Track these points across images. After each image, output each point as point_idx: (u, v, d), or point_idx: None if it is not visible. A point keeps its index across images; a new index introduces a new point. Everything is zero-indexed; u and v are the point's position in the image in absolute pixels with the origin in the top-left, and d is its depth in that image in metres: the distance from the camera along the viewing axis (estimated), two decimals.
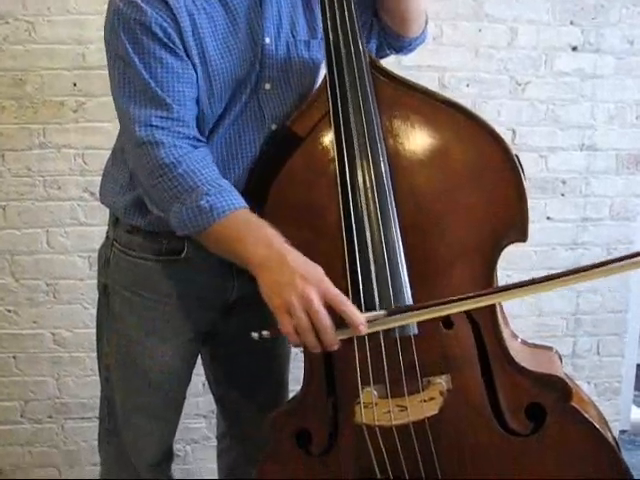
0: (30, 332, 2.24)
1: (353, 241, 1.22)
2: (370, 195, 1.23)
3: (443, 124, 1.27)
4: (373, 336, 1.21)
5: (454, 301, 1.15)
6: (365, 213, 1.23)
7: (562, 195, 2.37)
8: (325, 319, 1.11)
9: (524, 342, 1.40)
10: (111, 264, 1.43)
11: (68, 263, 2.20)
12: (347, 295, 1.18)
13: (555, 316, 2.45)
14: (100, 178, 1.47)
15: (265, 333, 1.15)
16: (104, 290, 1.46)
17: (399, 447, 1.25)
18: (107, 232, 1.47)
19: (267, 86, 1.32)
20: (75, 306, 2.23)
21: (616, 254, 2.42)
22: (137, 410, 1.46)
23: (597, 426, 1.26)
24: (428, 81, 2.09)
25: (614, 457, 1.26)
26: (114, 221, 1.43)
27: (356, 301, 1.19)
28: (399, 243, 1.23)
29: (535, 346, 1.43)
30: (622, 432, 2.70)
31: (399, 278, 1.23)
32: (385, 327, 1.18)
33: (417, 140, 1.27)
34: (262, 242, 1.15)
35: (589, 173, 2.36)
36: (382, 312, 1.17)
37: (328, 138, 1.28)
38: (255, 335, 1.15)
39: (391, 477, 1.26)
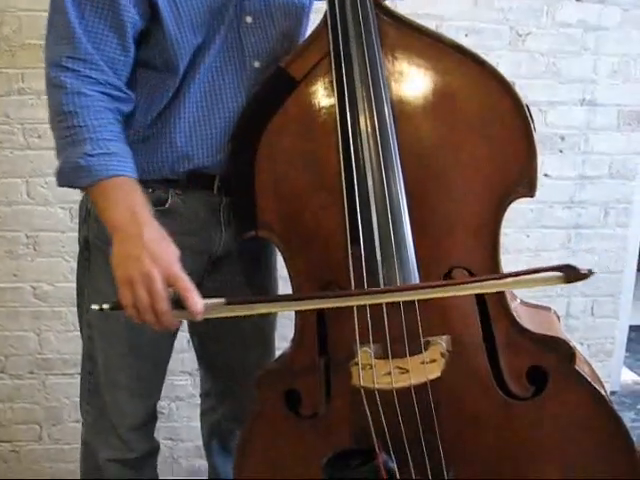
0: (10, 286, 2.18)
1: (354, 192, 1.18)
2: (372, 143, 1.18)
3: (450, 69, 1.20)
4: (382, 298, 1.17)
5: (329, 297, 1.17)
6: (367, 162, 1.18)
7: (560, 152, 2.32)
8: (163, 303, 1.10)
9: (523, 302, 1.37)
10: (92, 216, 1.37)
11: (49, 214, 2.13)
12: (347, 243, 1.17)
13: None
14: None
15: (105, 306, 1.13)
16: (85, 244, 1.40)
17: (399, 411, 1.20)
18: None
19: (248, 19, 1.26)
20: (56, 259, 2.16)
21: (613, 213, 2.38)
22: (120, 370, 1.41)
23: (598, 389, 1.23)
24: None
25: (615, 419, 1.23)
26: None
27: (356, 252, 1.17)
28: (402, 195, 1.18)
29: (534, 306, 1.39)
30: (612, 393, 2.70)
31: (402, 230, 1.18)
32: (224, 315, 1.16)
33: (422, 86, 1.21)
34: (126, 207, 1.14)
35: (589, 129, 2.31)
36: (221, 300, 1.14)
37: (327, 82, 1.21)
38: (95, 307, 1.13)
39: (388, 442, 1.22)
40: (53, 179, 2.07)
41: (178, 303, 1.11)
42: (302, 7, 1.34)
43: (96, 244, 1.37)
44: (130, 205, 1.15)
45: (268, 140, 1.23)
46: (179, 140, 1.28)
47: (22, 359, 2.23)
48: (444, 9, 2.16)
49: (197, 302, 1.10)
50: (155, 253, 1.11)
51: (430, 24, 2.11)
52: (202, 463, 2.34)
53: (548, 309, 1.42)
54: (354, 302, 1.17)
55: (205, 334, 1.57)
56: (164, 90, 1.26)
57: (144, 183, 1.29)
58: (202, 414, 1.75)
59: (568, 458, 1.24)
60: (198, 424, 2.33)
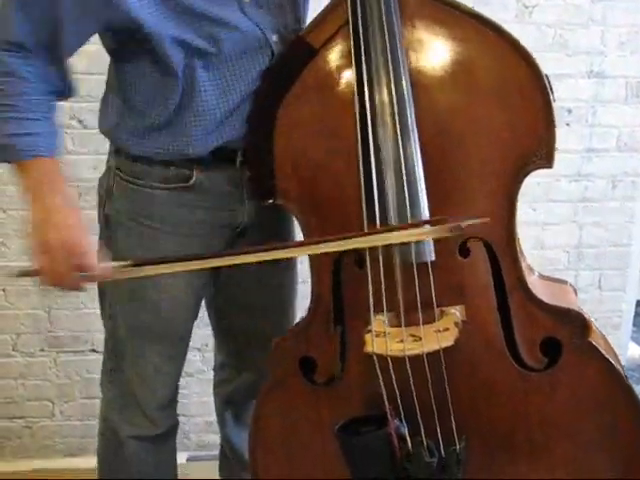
0: (20, 264, 2.17)
1: (370, 158, 1.18)
2: (390, 111, 1.18)
3: (469, 38, 1.20)
4: (388, 261, 1.19)
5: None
6: (384, 132, 1.19)
7: (567, 125, 2.30)
8: (63, 265, 1.17)
9: (540, 275, 1.37)
10: (114, 194, 1.38)
11: None
12: (362, 213, 1.19)
13: (557, 249, 2.41)
14: (87, 105, 1.41)
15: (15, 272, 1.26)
16: (106, 222, 1.41)
17: (411, 379, 1.21)
18: (107, 161, 1.42)
19: None
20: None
21: (621, 186, 2.37)
22: (149, 347, 1.43)
23: (613, 362, 1.23)
24: None
25: (629, 393, 1.23)
26: (115, 150, 1.38)
27: (371, 218, 1.18)
28: (419, 164, 1.19)
29: (551, 279, 1.40)
30: None
31: (417, 195, 1.19)
32: (133, 275, 1.24)
33: (440, 54, 1.21)
34: (46, 178, 1.18)
35: (596, 102, 2.29)
36: (126, 262, 1.21)
37: (345, 50, 1.21)
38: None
39: (400, 409, 1.23)
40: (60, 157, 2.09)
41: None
42: None
43: (119, 220, 1.38)
44: (49, 179, 1.18)
45: (286, 109, 1.24)
46: (208, 118, 1.27)
47: (33, 337, 2.25)
48: None
49: (95, 267, 1.18)
50: (59, 222, 1.16)
51: None
52: (213, 438, 2.37)
53: (565, 282, 1.43)
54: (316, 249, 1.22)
55: (224, 304, 1.57)
56: (175, 85, 1.25)
57: (164, 162, 1.32)
58: (215, 386, 1.76)
59: (580, 430, 1.25)
60: (208, 399, 2.35)
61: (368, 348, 1.20)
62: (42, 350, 2.26)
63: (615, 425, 1.24)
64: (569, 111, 2.29)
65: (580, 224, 2.40)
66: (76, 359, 2.27)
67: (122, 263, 1.19)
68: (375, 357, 1.20)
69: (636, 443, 1.24)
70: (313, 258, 1.28)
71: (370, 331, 1.20)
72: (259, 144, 1.26)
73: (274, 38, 1.28)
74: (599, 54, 2.25)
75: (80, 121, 2.03)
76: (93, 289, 1.51)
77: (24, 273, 1.22)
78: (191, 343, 2.26)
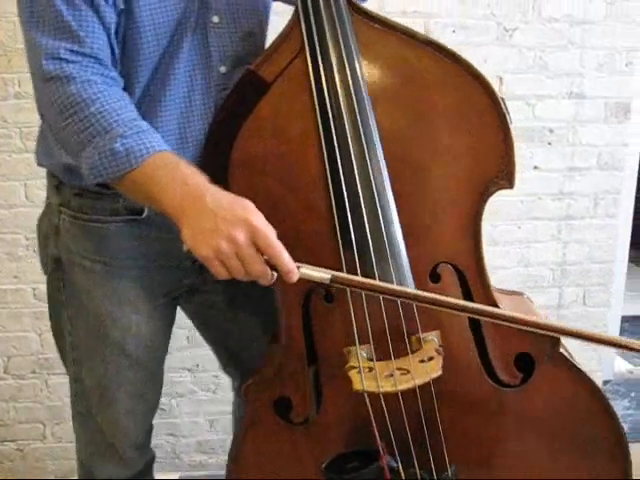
0: (11, 287, 2.21)
1: (342, 193, 1.17)
2: (355, 138, 1.18)
3: (425, 67, 1.22)
4: (369, 297, 1.18)
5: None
6: (352, 156, 1.17)
7: (549, 144, 2.34)
8: (256, 264, 1.02)
9: (496, 289, 1.36)
10: (62, 233, 1.29)
11: None
12: (337, 246, 1.16)
13: (541, 267, 2.44)
14: None
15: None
16: (56, 264, 1.32)
17: (403, 412, 1.21)
18: (47, 199, 1.35)
19: (215, 19, 1.21)
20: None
21: (603, 204, 2.41)
22: (117, 388, 1.35)
23: (583, 370, 1.26)
24: (413, 27, 2.03)
25: (602, 399, 1.26)
26: (56, 185, 1.30)
27: (348, 256, 1.16)
28: (390, 193, 1.19)
29: (508, 292, 1.42)
30: (605, 382, 2.73)
31: (393, 230, 1.19)
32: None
33: (398, 84, 1.23)
34: (178, 182, 1.04)
35: (577, 122, 2.33)
36: (327, 276, 1.06)
37: (301, 81, 1.19)
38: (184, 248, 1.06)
39: (393, 443, 1.22)
40: None
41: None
42: (265, 5, 1.31)
43: (71, 260, 1.30)
44: (181, 179, 1.05)
45: (241, 146, 1.19)
46: None
47: (24, 359, 2.26)
48: (431, 6, 2.19)
49: (288, 260, 1.03)
50: (227, 216, 1.01)
51: (418, 21, 2.19)
52: (203, 458, 2.38)
53: (521, 294, 1.45)
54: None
55: (208, 317, 1.49)
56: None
57: (111, 194, 1.22)
58: (232, 413, 1.68)
59: (558, 439, 1.27)
60: (199, 420, 2.37)
61: (357, 386, 1.16)
62: (33, 372, 2.27)
63: (592, 431, 1.26)
64: (551, 131, 2.33)
65: (564, 241, 2.43)
66: (67, 381, 2.24)
67: (319, 274, 1.05)
68: (366, 395, 1.18)
69: (613, 447, 1.26)
70: (282, 293, 1.24)
71: (354, 367, 1.18)
72: (214, 180, 1.18)
73: (222, 70, 1.24)
74: (578, 75, 2.29)
75: None
76: None
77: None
78: (181, 364, 2.31)
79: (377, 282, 1.14)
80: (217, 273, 1.03)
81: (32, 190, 2.13)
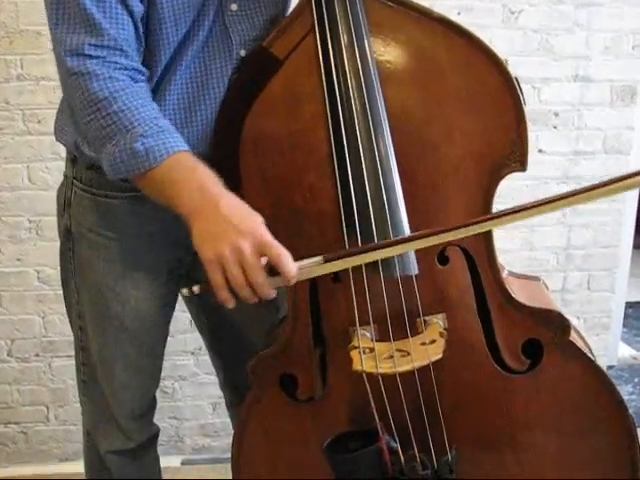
0: (14, 270, 2.21)
1: (346, 170, 1.17)
2: (362, 119, 1.17)
3: (438, 44, 1.20)
4: (371, 275, 1.16)
5: (415, 237, 1.10)
6: (359, 139, 1.17)
7: (554, 127, 2.33)
8: (258, 274, 1.04)
9: (511, 273, 1.37)
10: (73, 205, 1.33)
11: (50, 199, 2.10)
12: (340, 223, 1.15)
13: (546, 251, 2.44)
14: None
15: (195, 288, 1.09)
16: (66, 234, 1.37)
17: (402, 393, 1.19)
18: (65, 171, 1.37)
19: (234, 7, 1.21)
20: (59, 243, 2.17)
21: None
22: (115, 361, 1.38)
23: (593, 359, 1.25)
24: None
25: (611, 388, 1.24)
26: (72, 158, 1.33)
27: (352, 232, 1.16)
28: (395, 171, 1.17)
29: (523, 277, 1.40)
30: (609, 367, 2.73)
31: (397, 209, 1.17)
32: (322, 273, 1.11)
33: (409, 62, 1.21)
34: (195, 185, 1.06)
35: (582, 105, 2.32)
36: (318, 259, 1.08)
37: (312, 58, 1.18)
38: (185, 291, 1.10)
39: (391, 424, 1.21)
40: (53, 163, 2.12)
41: (271, 270, 1.05)
42: None
43: (80, 232, 1.34)
44: (198, 183, 1.06)
45: (252, 124, 1.19)
46: None
47: (28, 342, 2.26)
48: None
49: (291, 266, 1.04)
50: (238, 224, 1.03)
51: (424, 2, 2.15)
52: (206, 441, 2.39)
53: (537, 279, 1.43)
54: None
55: (210, 321, 1.53)
56: None
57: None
58: (228, 408, 1.68)
59: (566, 427, 1.26)
60: (202, 403, 2.37)
61: (357, 366, 1.15)
62: (37, 355, 2.28)
63: (599, 420, 1.25)
64: (556, 114, 2.32)
65: (569, 225, 2.42)
66: (70, 364, 2.21)
67: (310, 261, 1.07)
68: (365, 375, 1.17)
69: (619, 436, 1.25)
70: None
71: (356, 347, 1.17)
72: (225, 160, 1.20)
73: (242, 53, 1.24)
74: (584, 58, 2.28)
75: None
76: None
77: (206, 289, 1.07)
78: (184, 347, 2.31)
79: (367, 245, 1.14)
80: (214, 280, 1.05)
81: (35, 172, 2.13)
